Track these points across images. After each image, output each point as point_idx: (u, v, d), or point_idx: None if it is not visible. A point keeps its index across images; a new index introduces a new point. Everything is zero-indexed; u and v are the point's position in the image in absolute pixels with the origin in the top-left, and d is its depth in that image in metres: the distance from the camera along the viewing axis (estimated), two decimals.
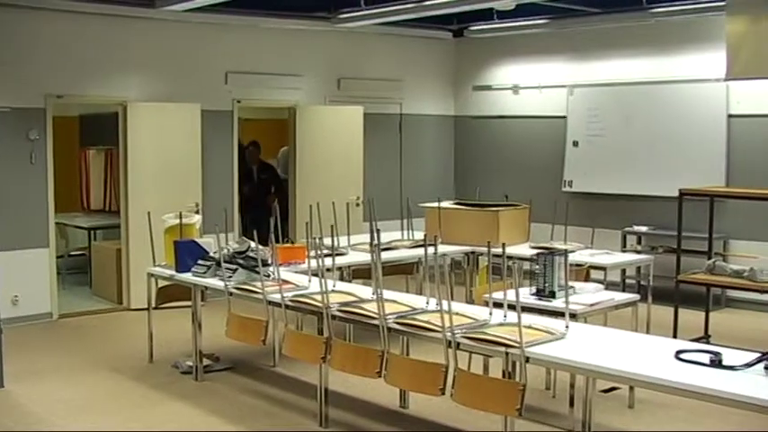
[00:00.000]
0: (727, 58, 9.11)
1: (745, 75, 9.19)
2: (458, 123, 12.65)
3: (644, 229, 10.31)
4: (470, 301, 6.98)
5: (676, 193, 7.95)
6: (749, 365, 4.09)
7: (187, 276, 6.96)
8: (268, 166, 11.72)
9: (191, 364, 7.07)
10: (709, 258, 8.09)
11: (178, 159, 9.81)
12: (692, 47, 10.08)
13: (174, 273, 7.09)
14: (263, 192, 11.28)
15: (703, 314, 8.24)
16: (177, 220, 7.36)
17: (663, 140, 10.29)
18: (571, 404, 5.75)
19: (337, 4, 10.26)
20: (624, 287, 9.13)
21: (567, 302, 5.12)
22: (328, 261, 6.65)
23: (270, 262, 6.61)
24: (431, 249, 5.47)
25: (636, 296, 6.22)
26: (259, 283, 6.17)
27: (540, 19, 10.81)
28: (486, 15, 10.95)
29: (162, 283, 7.44)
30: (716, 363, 4.16)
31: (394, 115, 11.97)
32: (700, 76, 9.94)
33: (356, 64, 11.53)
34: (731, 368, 4.10)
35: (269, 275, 6.41)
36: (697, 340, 7.21)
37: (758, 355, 4.15)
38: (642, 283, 8.22)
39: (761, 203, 7.73)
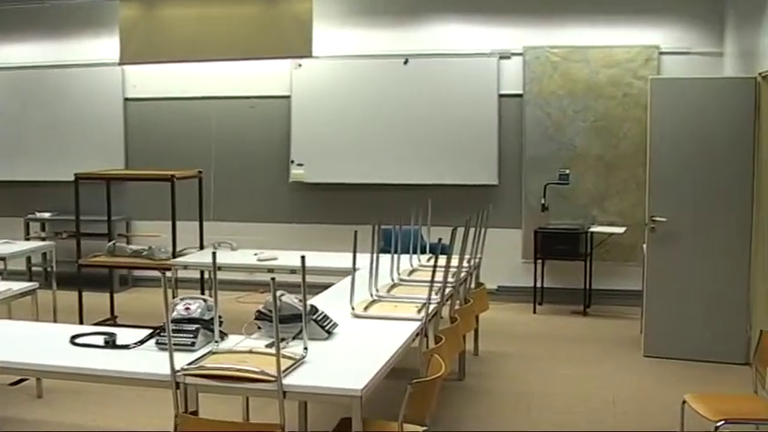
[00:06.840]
0: (121, 42, 9.36)
1: (138, 59, 9.56)
2: None
3: (47, 215, 10.18)
4: None
5: None
6: (142, 342, 4.26)
7: None
8: None
9: None
10: (110, 240, 8.26)
11: None
12: (88, 31, 10.12)
13: None
14: None
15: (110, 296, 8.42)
16: None
17: (63, 125, 10.24)
18: None
19: None
20: (31, 275, 8.95)
21: None
22: None
23: None
24: None
25: (34, 284, 6.12)
26: None
27: None
28: None
29: None
30: (110, 344, 4.27)
31: None
32: (96, 61, 10.03)
33: None
34: (125, 347, 4.23)
35: None
36: (104, 322, 7.36)
37: (149, 331, 4.33)
38: (48, 269, 8.13)
39: (159, 184, 8.01)
